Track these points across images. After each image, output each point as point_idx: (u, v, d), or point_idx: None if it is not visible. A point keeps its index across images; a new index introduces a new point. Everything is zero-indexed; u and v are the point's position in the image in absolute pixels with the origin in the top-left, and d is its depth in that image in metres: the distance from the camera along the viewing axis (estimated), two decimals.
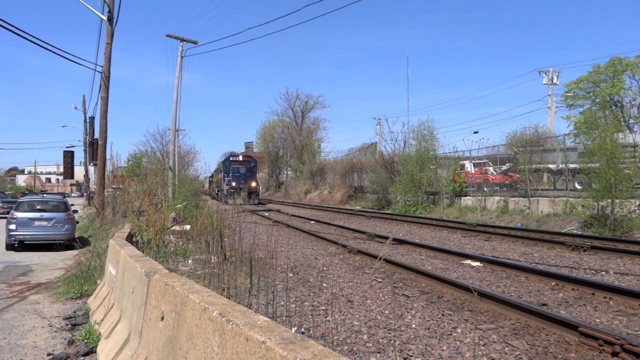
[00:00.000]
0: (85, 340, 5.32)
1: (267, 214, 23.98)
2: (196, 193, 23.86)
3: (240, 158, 40.85)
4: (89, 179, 40.24)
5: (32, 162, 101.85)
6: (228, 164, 39.30)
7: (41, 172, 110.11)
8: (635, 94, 37.99)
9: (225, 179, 37.74)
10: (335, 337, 4.97)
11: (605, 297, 6.41)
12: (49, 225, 14.40)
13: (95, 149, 20.72)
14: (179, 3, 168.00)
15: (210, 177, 53.03)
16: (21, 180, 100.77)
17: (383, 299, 6.64)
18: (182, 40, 26.34)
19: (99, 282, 8.10)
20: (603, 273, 8.34)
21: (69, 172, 37.21)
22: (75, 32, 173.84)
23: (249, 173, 39.07)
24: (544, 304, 6.18)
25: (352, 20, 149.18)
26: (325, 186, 42.93)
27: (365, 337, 5.02)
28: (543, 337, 4.94)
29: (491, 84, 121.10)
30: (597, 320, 5.51)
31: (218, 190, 42.13)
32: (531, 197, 18.76)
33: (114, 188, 24.92)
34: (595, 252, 10.34)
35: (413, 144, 26.73)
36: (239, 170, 38.36)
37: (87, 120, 35.72)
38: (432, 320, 5.58)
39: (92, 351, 5.12)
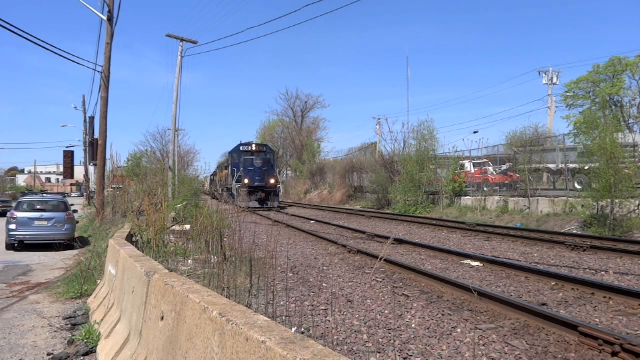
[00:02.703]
0: (85, 340, 5.33)
1: (266, 214, 23.98)
2: (196, 193, 23.84)
3: (254, 147, 31.35)
4: (89, 179, 40.25)
5: (32, 162, 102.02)
6: (238, 155, 30.61)
7: (41, 172, 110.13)
8: (635, 94, 38.05)
9: (235, 174, 29.38)
10: (335, 337, 4.97)
11: (605, 297, 6.41)
12: (49, 225, 14.41)
13: (95, 149, 20.73)
14: (179, 3, 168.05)
15: (212, 175, 47.66)
16: (21, 180, 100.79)
17: (383, 298, 6.64)
18: (182, 40, 26.35)
19: (99, 282, 8.10)
20: (603, 273, 8.34)
21: (69, 172, 37.23)
22: (75, 32, 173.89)
23: (266, 166, 30.37)
24: (543, 304, 6.18)
25: (352, 20, 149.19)
26: (325, 186, 42.93)
27: (365, 337, 5.03)
28: (543, 336, 4.94)
29: (491, 84, 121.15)
30: (597, 320, 5.51)
31: (223, 190, 33.82)
32: (531, 197, 18.77)
33: (114, 188, 24.94)
34: (595, 252, 10.35)
35: (413, 144, 26.79)
36: (252, 162, 29.72)
37: (87, 120, 35.73)
38: (432, 320, 5.58)
39: (92, 351, 5.12)
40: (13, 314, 6.99)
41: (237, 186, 28.42)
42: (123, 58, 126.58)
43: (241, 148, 30.98)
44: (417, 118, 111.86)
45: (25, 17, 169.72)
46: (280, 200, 36.07)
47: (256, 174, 29.32)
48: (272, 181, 29.59)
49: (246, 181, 28.35)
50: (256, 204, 27.96)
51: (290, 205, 34.82)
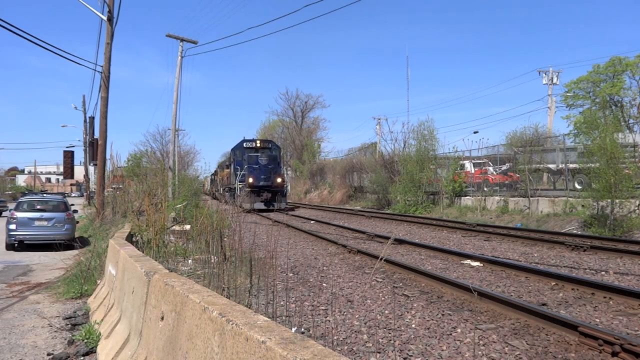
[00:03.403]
0: (85, 340, 5.33)
1: (266, 214, 23.97)
2: (196, 193, 23.84)
3: (259, 143, 29.20)
4: (89, 179, 40.27)
5: (32, 162, 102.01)
6: (241, 152, 28.33)
7: (41, 172, 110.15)
8: (635, 94, 38.05)
9: (238, 173, 27.12)
10: (335, 337, 4.97)
11: (605, 297, 6.41)
12: (49, 225, 14.41)
13: (95, 149, 20.74)
14: (179, 3, 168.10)
15: (213, 174, 46.52)
16: (21, 180, 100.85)
17: (383, 298, 6.64)
18: (182, 40, 26.35)
19: (99, 282, 8.10)
20: (603, 273, 8.34)
21: (69, 172, 37.29)
22: (75, 32, 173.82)
23: (272, 164, 28.09)
24: (543, 304, 6.18)
25: (351, 20, 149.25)
26: (325, 186, 42.93)
27: (365, 337, 5.03)
28: (543, 336, 4.94)
29: (491, 84, 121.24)
30: (597, 320, 5.51)
31: (225, 190, 31.82)
32: (531, 197, 18.76)
33: (114, 188, 24.96)
34: (595, 252, 10.34)
35: (413, 144, 26.79)
36: (257, 159, 27.44)
37: (87, 120, 35.71)
38: (432, 320, 5.58)
39: (92, 351, 5.12)
40: (13, 314, 6.99)
41: (240, 186, 26.30)
42: (123, 58, 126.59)
43: (244, 144, 28.61)
44: (417, 118, 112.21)
45: (25, 17, 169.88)
46: None
47: (261, 172, 27.04)
48: (279, 180, 27.33)
49: (250, 180, 26.21)
50: (261, 205, 26.01)
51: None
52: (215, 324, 2.55)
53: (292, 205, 33.11)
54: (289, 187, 31.52)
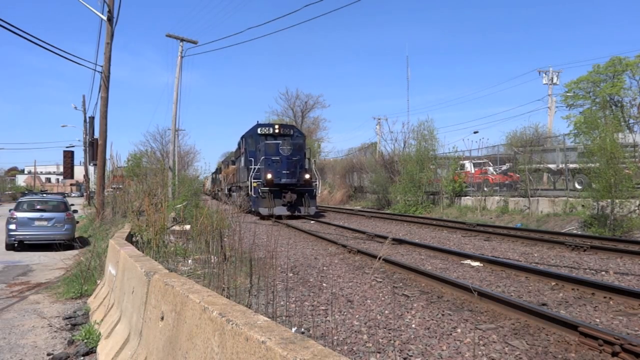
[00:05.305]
0: (85, 340, 5.33)
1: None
2: (196, 193, 23.81)
3: (277, 128, 23.05)
4: (89, 179, 40.24)
5: (32, 162, 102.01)
6: (255, 140, 22.21)
7: (41, 172, 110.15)
8: (635, 94, 38.03)
9: (252, 167, 20.85)
10: (335, 337, 4.97)
11: (605, 297, 6.41)
12: (49, 225, 14.40)
13: (95, 149, 20.73)
14: (179, 3, 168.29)
15: (214, 172, 44.03)
16: (21, 180, 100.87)
17: (383, 298, 6.64)
18: (182, 40, 26.34)
19: (99, 282, 8.10)
20: (603, 273, 8.34)
21: (69, 172, 37.30)
22: (75, 32, 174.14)
23: (297, 155, 20.85)
24: (543, 304, 6.17)
25: (352, 19, 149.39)
26: (325, 186, 42.92)
27: (365, 337, 5.02)
28: (543, 337, 4.94)
29: (491, 84, 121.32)
30: (597, 320, 5.51)
31: (231, 189, 26.64)
32: (531, 197, 18.77)
33: (114, 188, 24.95)
34: (595, 252, 10.34)
35: (413, 144, 26.82)
36: (277, 149, 20.44)
37: (87, 120, 35.67)
38: (432, 320, 5.58)
39: (92, 351, 5.12)
40: (13, 314, 6.99)
41: (255, 184, 20.48)
42: (123, 58, 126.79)
43: (259, 130, 22.42)
44: (417, 118, 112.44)
45: (25, 17, 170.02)
46: None
47: (283, 165, 20.31)
48: (307, 176, 20.99)
49: (269, 176, 20.04)
50: (284, 210, 20.30)
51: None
52: (215, 324, 2.55)
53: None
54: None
